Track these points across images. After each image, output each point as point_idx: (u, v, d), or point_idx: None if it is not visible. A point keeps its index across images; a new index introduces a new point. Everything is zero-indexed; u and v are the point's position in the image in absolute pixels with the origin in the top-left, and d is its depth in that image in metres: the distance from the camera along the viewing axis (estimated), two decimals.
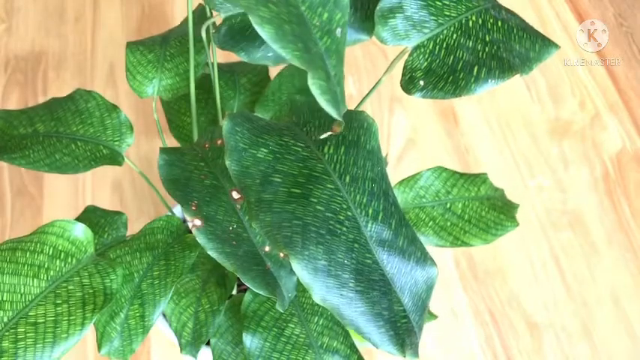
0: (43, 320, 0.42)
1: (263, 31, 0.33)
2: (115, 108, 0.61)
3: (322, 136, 0.42)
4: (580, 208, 1.04)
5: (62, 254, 0.46)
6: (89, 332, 0.86)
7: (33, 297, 0.44)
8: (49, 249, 0.46)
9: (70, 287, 0.45)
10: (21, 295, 0.43)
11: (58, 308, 0.43)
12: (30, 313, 0.43)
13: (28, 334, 0.41)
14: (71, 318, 0.43)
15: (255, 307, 0.54)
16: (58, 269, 0.46)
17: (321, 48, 0.37)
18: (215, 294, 0.59)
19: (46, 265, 0.45)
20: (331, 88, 0.35)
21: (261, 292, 0.44)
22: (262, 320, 0.53)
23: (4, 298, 0.43)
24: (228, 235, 0.45)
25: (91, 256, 0.48)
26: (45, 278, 0.45)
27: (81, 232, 0.48)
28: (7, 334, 0.41)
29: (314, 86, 0.34)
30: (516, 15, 0.53)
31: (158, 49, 0.66)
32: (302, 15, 0.37)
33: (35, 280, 0.44)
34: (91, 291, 0.45)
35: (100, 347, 0.51)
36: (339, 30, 0.39)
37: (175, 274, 0.53)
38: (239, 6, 0.33)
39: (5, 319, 0.42)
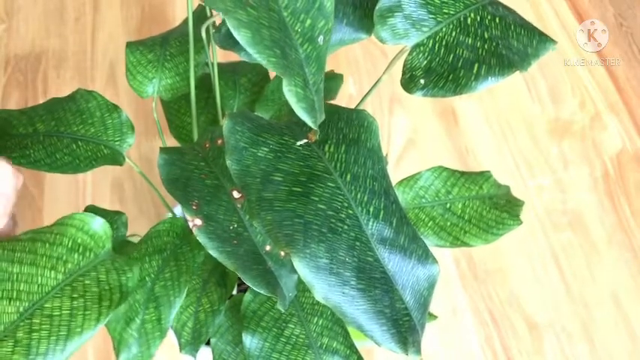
0: (58, 313, 0.42)
1: (239, 35, 0.33)
2: (115, 108, 0.61)
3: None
4: (580, 208, 1.04)
5: (81, 247, 0.46)
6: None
7: (49, 289, 0.43)
8: (69, 241, 0.46)
9: (87, 282, 0.44)
10: (38, 285, 0.43)
11: (74, 302, 0.43)
12: (46, 305, 0.42)
13: (42, 326, 0.41)
14: (87, 313, 0.42)
15: (255, 307, 0.54)
16: (75, 262, 0.45)
17: (301, 55, 0.37)
18: (215, 294, 0.59)
19: (64, 258, 0.45)
20: (308, 96, 0.35)
21: (262, 292, 0.44)
22: (262, 320, 0.53)
23: (21, 288, 0.43)
24: (229, 235, 0.45)
25: (108, 252, 0.48)
26: (62, 271, 0.45)
27: (100, 226, 0.48)
28: (22, 324, 0.41)
29: (289, 93, 0.34)
30: (513, 11, 0.53)
31: (158, 49, 0.66)
32: (283, 21, 0.37)
33: (53, 272, 0.44)
34: (107, 287, 0.45)
35: (118, 355, 0.50)
36: (321, 37, 0.38)
37: (188, 273, 0.52)
38: (217, 8, 0.33)
39: (21, 309, 0.42)
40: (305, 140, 0.42)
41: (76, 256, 0.46)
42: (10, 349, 0.40)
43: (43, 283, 0.43)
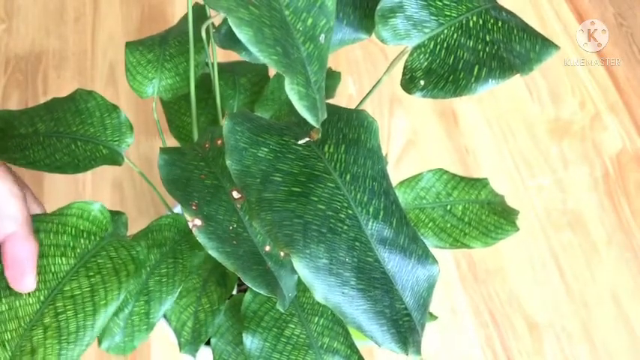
0: (79, 292, 0.43)
1: (241, 33, 0.33)
2: (115, 108, 0.61)
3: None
4: (580, 208, 1.04)
5: (85, 233, 0.47)
6: None
7: (64, 274, 0.44)
8: (72, 229, 0.47)
9: (100, 260, 0.45)
10: (52, 274, 0.44)
11: (92, 279, 0.44)
12: (65, 288, 0.43)
13: (67, 307, 0.42)
14: (107, 285, 0.43)
15: (255, 307, 0.54)
16: (83, 247, 0.46)
17: (302, 53, 0.37)
18: (215, 294, 0.59)
19: (71, 244, 0.46)
20: (310, 95, 0.35)
21: (261, 292, 0.44)
22: (262, 320, 0.53)
23: (37, 280, 0.43)
24: (229, 235, 0.45)
25: (112, 234, 0.49)
26: (73, 255, 0.45)
27: (99, 211, 0.49)
28: (46, 310, 0.42)
29: (292, 91, 0.34)
30: (516, 16, 0.53)
31: (157, 49, 0.66)
32: (285, 19, 0.37)
33: (63, 258, 0.45)
34: (120, 262, 0.46)
35: (100, 342, 0.51)
36: (322, 36, 0.38)
37: (184, 272, 0.53)
38: (218, 7, 0.33)
39: (42, 298, 0.43)
40: (307, 139, 0.42)
41: (82, 240, 0.47)
42: (41, 335, 0.41)
43: (57, 270, 0.44)
